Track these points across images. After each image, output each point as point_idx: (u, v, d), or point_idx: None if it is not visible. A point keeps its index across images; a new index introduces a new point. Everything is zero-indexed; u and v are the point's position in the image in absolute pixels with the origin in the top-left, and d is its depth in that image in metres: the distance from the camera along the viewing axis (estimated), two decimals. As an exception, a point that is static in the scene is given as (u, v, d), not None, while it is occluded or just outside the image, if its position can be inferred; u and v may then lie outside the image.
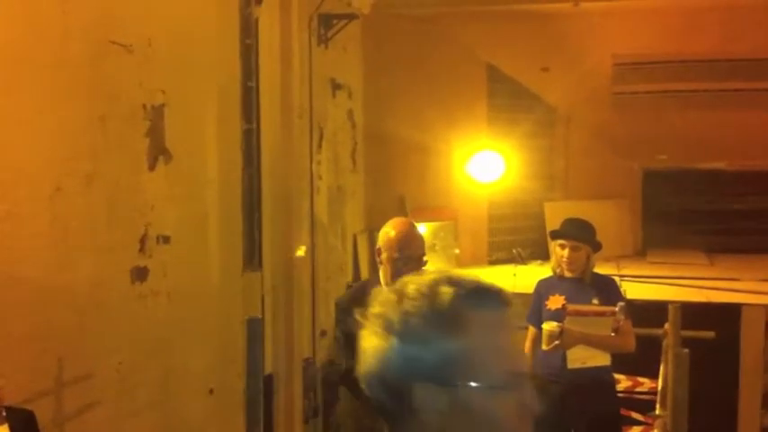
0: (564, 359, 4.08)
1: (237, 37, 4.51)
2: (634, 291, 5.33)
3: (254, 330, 4.45)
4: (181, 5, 4.00)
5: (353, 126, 6.33)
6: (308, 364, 5.27)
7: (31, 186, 3.08)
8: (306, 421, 5.26)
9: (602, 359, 4.13)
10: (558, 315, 4.08)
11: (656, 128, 6.91)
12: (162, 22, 3.82)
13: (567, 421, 4.02)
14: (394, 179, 6.65)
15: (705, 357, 4.61)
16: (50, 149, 3.17)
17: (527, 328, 4.22)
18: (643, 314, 4.53)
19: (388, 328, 1.14)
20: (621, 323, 4.04)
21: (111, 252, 3.50)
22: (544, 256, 5.58)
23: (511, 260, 6.62)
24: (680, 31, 6.47)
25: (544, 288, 4.27)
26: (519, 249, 6.56)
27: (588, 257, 4.18)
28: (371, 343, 1.16)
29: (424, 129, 6.39)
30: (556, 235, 4.30)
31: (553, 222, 5.25)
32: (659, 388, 4.62)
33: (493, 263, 6.96)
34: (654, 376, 4.73)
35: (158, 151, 3.80)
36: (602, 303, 4.11)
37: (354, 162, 6.34)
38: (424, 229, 6.18)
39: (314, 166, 5.50)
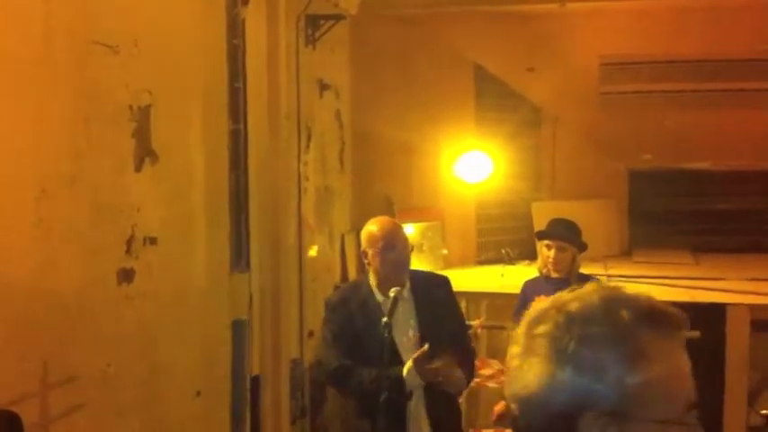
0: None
1: (224, 37, 4.50)
2: (620, 291, 5.33)
3: (241, 332, 4.45)
4: (167, 6, 3.99)
5: (341, 126, 6.32)
6: (295, 364, 5.27)
7: (16, 188, 3.06)
8: (293, 422, 5.26)
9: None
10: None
11: (642, 128, 6.94)
12: (148, 23, 3.81)
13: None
14: (381, 179, 6.64)
15: (690, 357, 4.61)
16: (35, 151, 3.16)
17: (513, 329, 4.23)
18: (629, 314, 4.54)
19: (560, 353, 1.05)
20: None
21: (98, 253, 3.49)
22: (532, 255, 5.59)
23: (499, 260, 6.64)
24: (666, 32, 6.48)
25: (530, 289, 4.29)
26: (507, 249, 6.57)
27: (574, 258, 4.20)
28: (534, 366, 1.07)
29: (411, 129, 6.38)
30: (542, 235, 4.32)
31: (540, 222, 5.27)
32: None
33: (481, 263, 6.97)
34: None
35: (145, 152, 3.79)
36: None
37: (342, 162, 6.33)
38: (411, 229, 6.18)
39: (301, 166, 5.49)
